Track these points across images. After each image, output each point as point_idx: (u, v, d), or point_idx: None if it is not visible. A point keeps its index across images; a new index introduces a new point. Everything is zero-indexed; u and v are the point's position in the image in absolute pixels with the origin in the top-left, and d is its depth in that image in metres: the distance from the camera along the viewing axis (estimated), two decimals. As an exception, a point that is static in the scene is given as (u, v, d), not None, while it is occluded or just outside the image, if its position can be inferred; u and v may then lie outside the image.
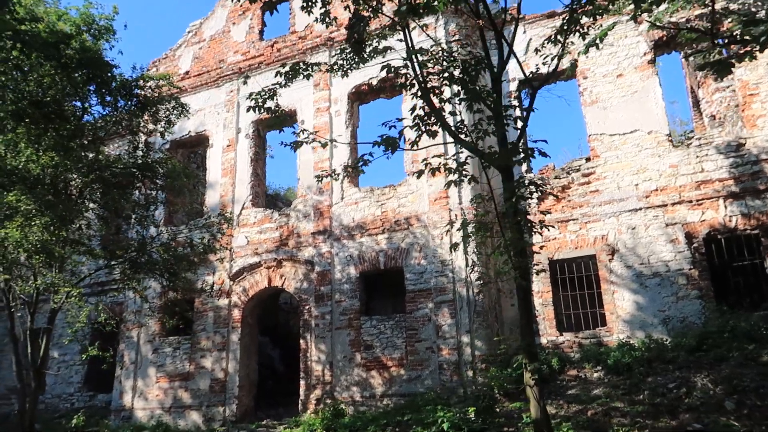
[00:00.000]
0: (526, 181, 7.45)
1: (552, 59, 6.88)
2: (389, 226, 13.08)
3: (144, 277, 11.33)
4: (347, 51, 7.64)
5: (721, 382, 8.58)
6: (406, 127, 6.38)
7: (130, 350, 15.07)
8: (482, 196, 8.30)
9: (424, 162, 7.04)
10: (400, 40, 7.55)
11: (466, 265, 12.05)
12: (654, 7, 8.13)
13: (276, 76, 7.87)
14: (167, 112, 10.92)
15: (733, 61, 5.80)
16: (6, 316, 18.87)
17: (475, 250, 12.07)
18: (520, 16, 7.01)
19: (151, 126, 10.96)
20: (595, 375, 10.41)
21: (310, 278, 13.66)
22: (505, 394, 10.48)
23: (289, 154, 31.80)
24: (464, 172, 7.18)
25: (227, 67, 16.47)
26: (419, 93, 6.64)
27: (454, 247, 9.33)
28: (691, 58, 14.97)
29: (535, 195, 7.54)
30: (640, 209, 11.96)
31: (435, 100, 6.74)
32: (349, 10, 6.84)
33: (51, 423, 15.35)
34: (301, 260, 13.80)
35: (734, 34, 6.12)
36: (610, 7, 7.85)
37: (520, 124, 7.53)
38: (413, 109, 6.97)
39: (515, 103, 12.15)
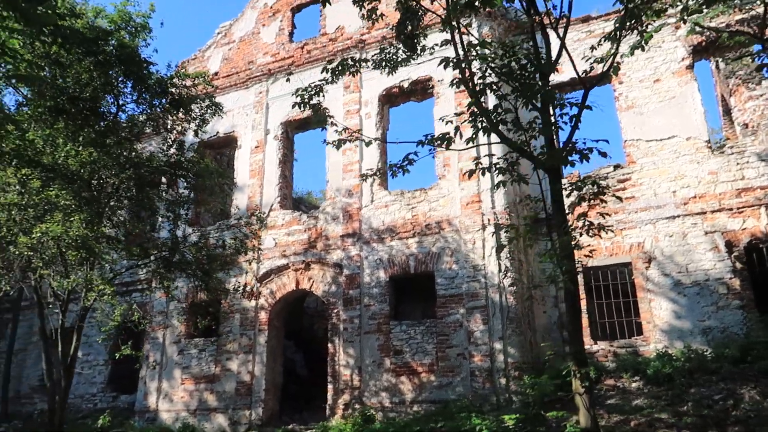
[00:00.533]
0: (589, 181, 7.20)
1: (606, 58, 6.71)
2: (420, 230, 12.93)
3: (175, 277, 11.25)
4: (396, 46, 7.53)
5: (770, 395, 8.32)
6: (463, 122, 6.23)
7: (155, 351, 15.02)
8: (531, 198, 8.11)
9: (475, 161, 6.89)
10: (447, 41, 7.43)
11: (499, 271, 11.84)
12: (703, 8, 7.98)
13: (322, 72, 7.77)
14: (202, 111, 10.89)
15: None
16: (27, 316, 19.12)
17: (508, 255, 11.89)
18: (560, 16, 6.84)
19: (184, 125, 10.91)
20: (634, 385, 10.15)
21: (339, 281, 13.53)
22: (543, 403, 10.24)
23: (310, 157, 31.70)
24: (513, 173, 7.02)
25: (256, 68, 16.47)
26: (471, 89, 6.49)
27: (499, 249, 9.16)
28: (723, 65, 14.73)
29: (587, 195, 7.27)
30: (678, 216, 11.71)
31: (491, 98, 6.59)
32: (400, 5, 6.73)
33: (74, 423, 15.30)
34: (330, 263, 13.69)
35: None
36: (665, 6, 7.68)
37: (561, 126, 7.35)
38: (469, 105, 6.67)
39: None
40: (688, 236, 11.53)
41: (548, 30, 7.20)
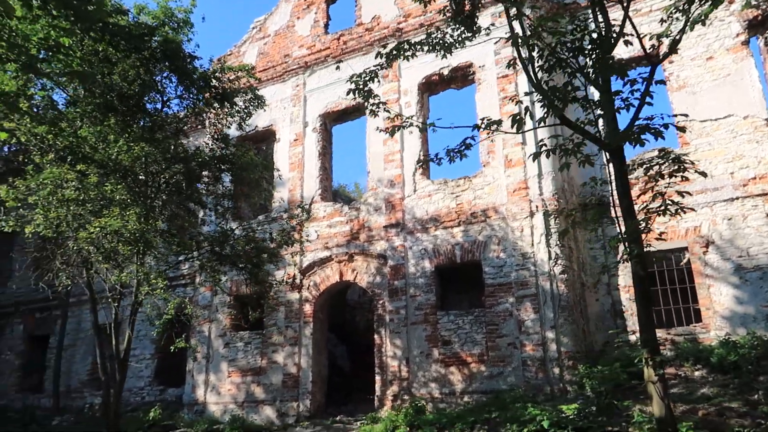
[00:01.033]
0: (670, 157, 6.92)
1: (663, 34, 6.38)
2: (465, 219, 12.71)
3: (225, 271, 11.28)
4: (443, 30, 7.33)
5: None
6: (545, 99, 5.99)
7: (201, 345, 15.14)
8: (597, 180, 7.83)
9: (541, 144, 6.65)
10: (492, 25, 7.18)
11: (549, 258, 11.57)
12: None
13: (376, 57, 7.61)
14: (246, 104, 10.86)
15: None
16: (75, 312, 19.51)
17: (558, 242, 11.61)
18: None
19: (228, 119, 10.89)
20: (697, 373, 9.80)
21: (383, 272, 13.41)
22: (598, 392, 9.96)
23: (345, 150, 31.44)
24: (580, 155, 6.76)
25: (293, 61, 16.41)
26: (532, 71, 6.24)
27: (563, 234, 8.92)
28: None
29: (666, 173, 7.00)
30: (737, 198, 11.24)
31: (560, 76, 6.33)
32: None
33: (123, 416, 15.57)
34: (374, 254, 13.58)
35: None
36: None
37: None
38: (537, 85, 6.38)
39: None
40: (748, 219, 11.07)
41: (609, 6, 6.90)
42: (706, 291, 11.15)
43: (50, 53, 7.48)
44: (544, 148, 6.53)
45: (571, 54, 6.18)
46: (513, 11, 7.01)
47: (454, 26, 7.31)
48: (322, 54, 15.94)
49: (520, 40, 6.58)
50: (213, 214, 11.65)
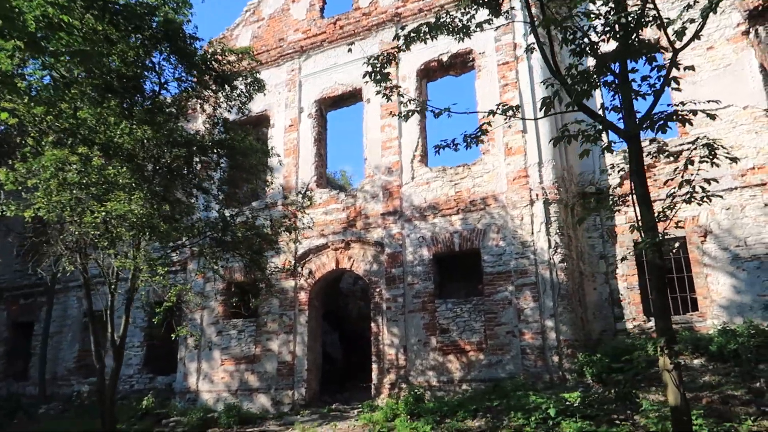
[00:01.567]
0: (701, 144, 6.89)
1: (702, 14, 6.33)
2: (464, 207, 12.64)
3: (228, 258, 11.05)
4: (452, 15, 7.18)
5: None
6: (563, 86, 5.88)
7: (193, 332, 14.90)
8: (614, 167, 7.79)
9: (562, 129, 6.56)
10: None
11: (549, 247, 11.56)
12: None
13: (394, 39, 7.42)
14: (247, 88, 10.61)
15: None
16: (61, 299, 19.12)
17: (558, 231, 11.61)
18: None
19: (230, 102, 10.62)
20: (696, 362, 9.88)
21: (380, 260, 13.31)
22: (600, 380, 10.03)
23: (336, 137, 30.74)
24: (600, 142, 6.71)
25: (287, 45, 16.13)
26: (552, 57, 6.12)
27: (579, 221, 8.89)
28: (763, 33, 14.17)
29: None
30: (736, 188, 11.32)
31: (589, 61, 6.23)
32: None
33: (115, 404, 15.35)
34: (371, 242, 13.46)
35: None
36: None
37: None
38: (569, 68, 6.24)
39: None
40: (746, 209, 11.16)
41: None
42: (704, 280, 11.25)
43: (50, 31, 7.19)
44: (566, 133, 6.45)
45: (600, 37, 6.09)
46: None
47: (466, 10, 7.13)
48: (318, 38, 15.68)
49: (537, 24, 6.46)
50: (204, 200, 11.36)
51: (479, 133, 6.79)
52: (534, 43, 6.77)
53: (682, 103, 7.05)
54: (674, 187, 7.04)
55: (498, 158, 12.60)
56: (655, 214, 7.10)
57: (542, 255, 11.60)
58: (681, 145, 12.05)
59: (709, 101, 7.90)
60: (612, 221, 12.28)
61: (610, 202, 7.85)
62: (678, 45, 6.26)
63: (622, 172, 12.43)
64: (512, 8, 7.40)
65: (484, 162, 12.79)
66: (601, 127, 6.42)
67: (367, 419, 10.79)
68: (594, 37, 6.32)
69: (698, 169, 7.34)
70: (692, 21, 6.82)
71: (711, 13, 7.56)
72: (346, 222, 13.94)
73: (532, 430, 8.25)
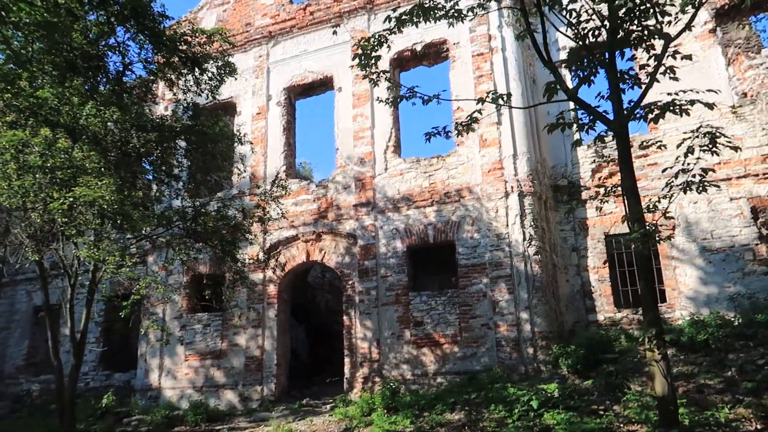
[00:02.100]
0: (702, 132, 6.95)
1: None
2: (438, 198, 12.53)
3: (197, 248, 10.57)
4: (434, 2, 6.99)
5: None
6: (555, 76, 5.78)
7: (162, 327, 14.29)
8: (608, 160, 7.80)
9: (558, 118, 6.49)
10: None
11: (524, 239, 11.58)
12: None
13: (385, 21, 7.15)
14: (219, 71, 10.15)
15: None
16: (8, 293, 18.08)
17: (532, 223, 11.65)
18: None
19: (202, 86, 10.12)
20: (668, 352, 10.05)
21: (353, 252, 13.07)
22: (574, 372, 10.11)
23: (303, 127, 30.08)
24: (592, 130, 6.68)
25: (255, 30, 15.62)
26: (544, 47, 6.03)
27: (569, 212, 8.90)
28: (721, 34, 14.63)
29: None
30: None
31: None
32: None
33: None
34: (343, 233, 13.20)
35: None
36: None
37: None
38: (568, 55, 6.24)
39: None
40: (712, 203, 11.46)
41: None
42: (672, 272, 11.51)
43: (11, 1, 6.64)
44: (560, 122, 6.37)
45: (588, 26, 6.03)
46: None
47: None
48: (287, 24, 15.25)
49: (528, 11, 6.35)
50: (174, 188, 10.84)
51: (470, 120, 6.65)
52: (524, 30, 6.66)
53: (670, 95, 7.09)
54: (671, 178, 7.07)
55: (473, 150, 12.53)
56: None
57: (517, 247, 11.61)
58: (650, 140, 12.30)
59: (684, 92, 7.94)
60: (584, 214, 12.41)
61: (603, 193, 7.84)
62: (683, 30, 6.28)
63: (594, 165, 12.69)
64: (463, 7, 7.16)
65: (458, 154, 12.70)
66: (591, 119, 6.38)
67: (342, 414, 10.57)
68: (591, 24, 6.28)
69: (676, 161, 7.48)
70: (684, 12, 6.89)
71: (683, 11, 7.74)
72: (317, 213, 13.64)
73: (515, 422, 8.21)
